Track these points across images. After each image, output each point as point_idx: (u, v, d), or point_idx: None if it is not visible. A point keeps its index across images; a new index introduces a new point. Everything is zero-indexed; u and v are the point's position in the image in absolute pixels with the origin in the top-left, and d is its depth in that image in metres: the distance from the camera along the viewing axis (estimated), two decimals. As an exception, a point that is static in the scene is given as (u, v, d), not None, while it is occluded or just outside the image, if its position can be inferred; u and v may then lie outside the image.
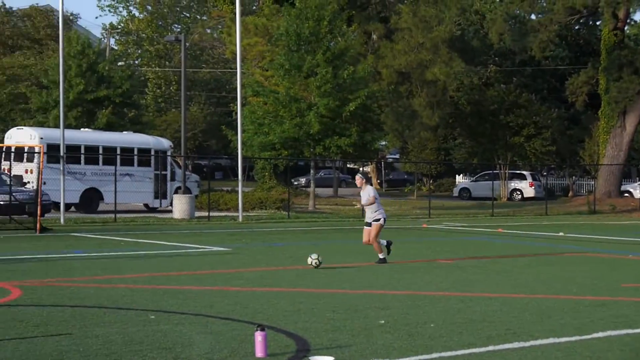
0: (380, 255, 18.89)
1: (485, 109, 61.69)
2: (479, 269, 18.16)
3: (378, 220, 18.80)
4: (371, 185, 18.94)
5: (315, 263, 17.59)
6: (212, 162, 73.02)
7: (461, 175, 75.41)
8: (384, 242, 19.14)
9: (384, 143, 61.34)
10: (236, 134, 38.37)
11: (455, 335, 10.24)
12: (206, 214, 36.51)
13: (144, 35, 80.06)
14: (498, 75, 69.02)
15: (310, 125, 42.14)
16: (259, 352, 8.80)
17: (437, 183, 72.25)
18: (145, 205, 41.17)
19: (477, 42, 67.20)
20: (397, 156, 78.48)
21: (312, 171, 47.27)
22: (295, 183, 64.48)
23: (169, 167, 41.66)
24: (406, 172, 75.80)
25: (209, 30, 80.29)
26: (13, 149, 36.53)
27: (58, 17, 35.20)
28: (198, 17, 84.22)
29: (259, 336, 8.78)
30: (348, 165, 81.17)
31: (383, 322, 11.10)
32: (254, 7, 59.85)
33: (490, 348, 9.58)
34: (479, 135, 62.14)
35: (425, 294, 14.05)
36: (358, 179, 19.16)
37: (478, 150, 63.09)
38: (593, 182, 59.59)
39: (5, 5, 76.33)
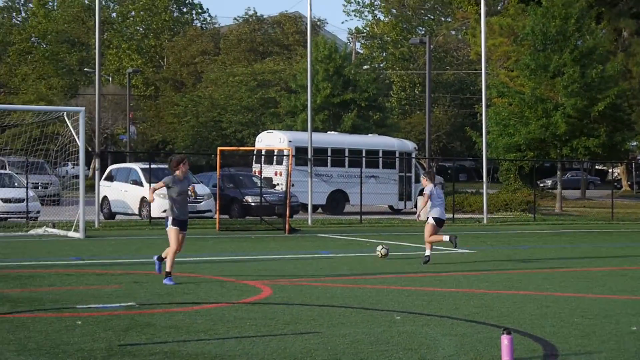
0: (427, 252, 18.63)
1: None
2: None
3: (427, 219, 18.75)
4: (433, 183, 18.74)
5: (383, 252, 19.05)
6: (457, 164, 72.75)
7: None
8: (447, 237, 18.70)
9: (635, 144, 58.96)
10: (481, 135, 38.00)
11: None
12: (450, 215, 36.34)
13: (388, 38, 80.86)
14: None
15: (557, 126, 41.18)
16: (505, 356, 8.66)
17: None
18: (390, 207, 41.51)
19: None
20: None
21: (558, 173, 46.20)
22: (541, 185, 63.14)
23: (413, 169, 41.81)
24: (659, 173, 72.62)
25: (453, 32, 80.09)
26: (263, 152, 37.80)
27: (306, 23, 36.10)
28: (442, 19, 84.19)
29: (505, 340, 8.65)
30: (596, 167, 78.64)
31: (635, 328, 10.68)
32: (499, 7, 59.10)
33: None
34: None
35: (680, 301, 13.41)
36: (422, 179, 19.32)
37: None
38: None
39: (256, 13, 79.25)
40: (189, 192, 14.93)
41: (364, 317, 11.36)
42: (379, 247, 19.47)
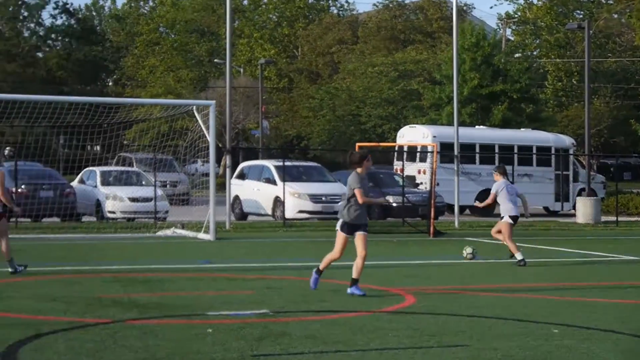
0: (517, 256, 19.15)
1: None
2: None
3: (502, 217, 19.47)
4: (503, 178, 19.60)
5: (470, 256, 19.83)
6: (620, 161, 71.15)
7: None
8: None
9: None
10: (647, 129, 37.04)
11: None
12: (613, 218, 35.58)
13: (542, 23, 79.63)
14: None
15: None
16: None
17: None
18: (545, 208, 40.86)
19: None
20: None
21: None
22: None
23: (571, 167, 41.07)
24: None
25: (615, 15, 78.27)
26: (405, 148, 37.72)
27: (452, 9, 35.84)
28: (603, 1, 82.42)
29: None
30: None
31: None
32: (669, -14, 57.45)
33: None
34: None
35: None
36: (494, 173, 19.97)
37: None
38: None
39: (398, -2, 79.11)
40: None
41: (517, 329, 11.19)
42: (465, 251, 20.17)
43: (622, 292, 15.10)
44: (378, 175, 35.06)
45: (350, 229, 13.99)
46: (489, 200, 19.79)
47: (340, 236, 14.05)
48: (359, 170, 14.05)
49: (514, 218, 19.35)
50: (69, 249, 21.74)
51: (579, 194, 38.79)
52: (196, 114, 26.51)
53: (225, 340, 10.20)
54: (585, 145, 38.81)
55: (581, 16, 78.03)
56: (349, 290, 14.02)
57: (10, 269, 15.84)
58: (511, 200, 19.31)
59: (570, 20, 69.55)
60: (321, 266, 14.32)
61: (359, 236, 13.96)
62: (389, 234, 28.02)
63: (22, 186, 29.39)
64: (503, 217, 19.40)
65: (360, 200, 13.89)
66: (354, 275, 14.03)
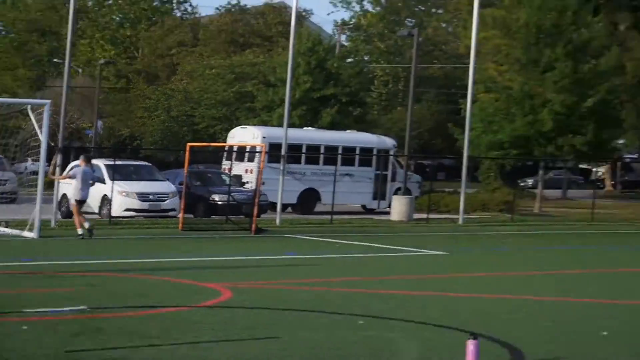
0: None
1: None
2: None
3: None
4: (85, 166, 24.24)
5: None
6: (436, 162, 72.86)
7: None
8: None
9: (622, 142, 59.02)
10: (463, 132, 37.95)
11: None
12: (425, 215, 36.15)
13: (374, 31, 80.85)
14: None
15: (543, 123, 41.22)
16: (469, 362, 8.66)
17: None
18: (363, 206, 41.33)
19: None
20: (635, 156, 75.64)
21: (540, 172, 46.19)
22: (522, 184, 63.22)
23: (390, 167, 41.67)
24: (645, 173, 72.95)
25: (444, 24, 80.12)
26: (235, 149, 37.64)
27: (291, 14, 35.80)
28: (434, 10, 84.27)
29: (470, 345, 8.60)
30: (580, 166, 78.81)
31: (606, 333, 10.70)
32: (495, -1, 58.72)
33: None
34: None
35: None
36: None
37: None
38: None
39: (240, 2, 78.93)
40: None
41: (326, 322, 11.36)
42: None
43: (425, 285, 15.45)
44: (206, 174, 34.96)
45: None
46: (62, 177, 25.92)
47: None
48: None
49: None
50: None
51: (396, 193, 39.40)
52: (30, 113, 25.80)
53: (40, 337, 9.98)
54: (405, 146, 39.56)
55: (412, 24, 79.43)
56: None
57: None
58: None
59: (402, 28, 70.67)
60: None
61: None
62: (212, 231, 27.56)
63: None
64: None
65: None
66: None
